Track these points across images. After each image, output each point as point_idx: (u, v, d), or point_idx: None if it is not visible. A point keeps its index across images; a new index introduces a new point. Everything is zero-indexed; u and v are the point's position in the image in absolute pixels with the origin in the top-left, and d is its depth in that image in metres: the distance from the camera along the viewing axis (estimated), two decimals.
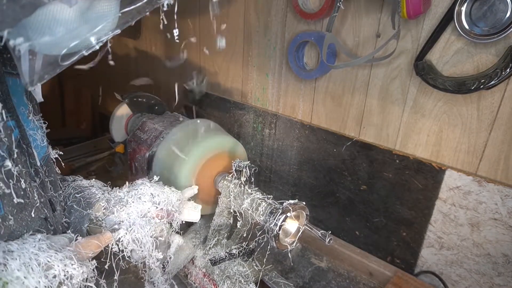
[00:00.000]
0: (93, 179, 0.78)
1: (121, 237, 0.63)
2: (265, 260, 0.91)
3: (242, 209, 0.89)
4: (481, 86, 0.76)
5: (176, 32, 0.51)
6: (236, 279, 0.90)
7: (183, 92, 1.58)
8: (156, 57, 1.76)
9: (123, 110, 1.41)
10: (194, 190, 0.89)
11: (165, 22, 0.50)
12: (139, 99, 1.34)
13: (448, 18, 0.79)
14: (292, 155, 1.23)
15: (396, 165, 0.98)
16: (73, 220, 0.69)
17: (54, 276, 0.48)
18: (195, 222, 1.03)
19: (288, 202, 0.81)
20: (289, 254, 0.91)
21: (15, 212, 0.54)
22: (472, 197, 0.87)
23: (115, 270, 0.63)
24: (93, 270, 0.56)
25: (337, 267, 1.08)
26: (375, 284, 1.03)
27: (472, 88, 0.78)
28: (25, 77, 0.41)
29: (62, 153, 0.68)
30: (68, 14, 0.40)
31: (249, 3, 1.22)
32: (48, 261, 0.49)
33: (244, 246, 0.91)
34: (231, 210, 0.95)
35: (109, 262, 0.63)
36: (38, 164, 0.61)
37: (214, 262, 0.86)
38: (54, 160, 0.68)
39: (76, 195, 0.72)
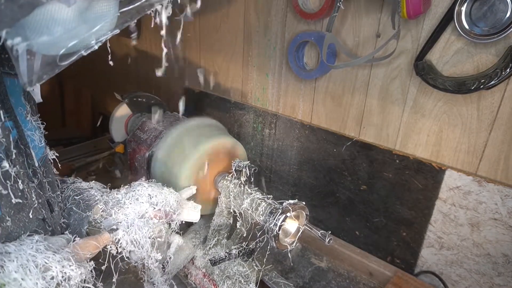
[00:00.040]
0: (93, 181, 0.78)
1: (120, 238, 0.63)
2: (265, 260, 0.91)
3: (242, 209, 0.89)
4: (481, 86, 0.76)
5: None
6: (236, 279, 0.90)
7: (183, 91, 1.58)
8: (156, 57, 1.76)
9: (123, 110, 1.41)
10: (192, 190, 0.89)
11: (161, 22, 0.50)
12: (139, 99, 1.34)
13: (448, 18, 0.79)
14: (292, 155, 1.23)
15: (396, 165, 0.98)
16: (72, 222, 0.69)
17: (52, 278, 0.48)
18: (195, 222, 1.03)
19: (288, 202, 0.81)
20: (289, 254, 0.91)
21: (13, 213, 0.54)
22: (472, 197, 0.87)
23: (113, 271, 0.63)
24: (91, 271, 0.55)
25: (337, 267, 1.08)
26: (375, 284, 1.03)
27: (472, 88, 0.77)
28: (23, 78, 0.41)
29: (59, 155, 0.67)
30: (67, 14, 0.40)
31: (249, 3, 1.21)
32: (46, 263, 0.48)
33: (244, 246, 0.91)
34: (231, 210, 0.95)
35: (106, 264, 0.63)
36: (36, 164, 0.60)
37: (214, 262, 0.86)
38: (52, 160, 0.68)
39: (75, 197, 0.71)
